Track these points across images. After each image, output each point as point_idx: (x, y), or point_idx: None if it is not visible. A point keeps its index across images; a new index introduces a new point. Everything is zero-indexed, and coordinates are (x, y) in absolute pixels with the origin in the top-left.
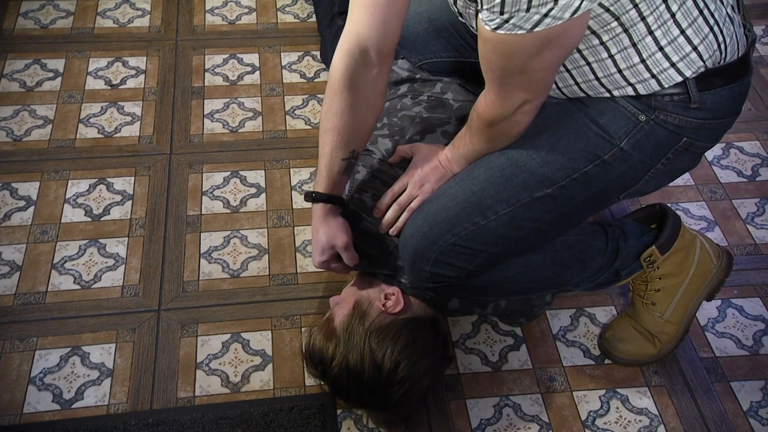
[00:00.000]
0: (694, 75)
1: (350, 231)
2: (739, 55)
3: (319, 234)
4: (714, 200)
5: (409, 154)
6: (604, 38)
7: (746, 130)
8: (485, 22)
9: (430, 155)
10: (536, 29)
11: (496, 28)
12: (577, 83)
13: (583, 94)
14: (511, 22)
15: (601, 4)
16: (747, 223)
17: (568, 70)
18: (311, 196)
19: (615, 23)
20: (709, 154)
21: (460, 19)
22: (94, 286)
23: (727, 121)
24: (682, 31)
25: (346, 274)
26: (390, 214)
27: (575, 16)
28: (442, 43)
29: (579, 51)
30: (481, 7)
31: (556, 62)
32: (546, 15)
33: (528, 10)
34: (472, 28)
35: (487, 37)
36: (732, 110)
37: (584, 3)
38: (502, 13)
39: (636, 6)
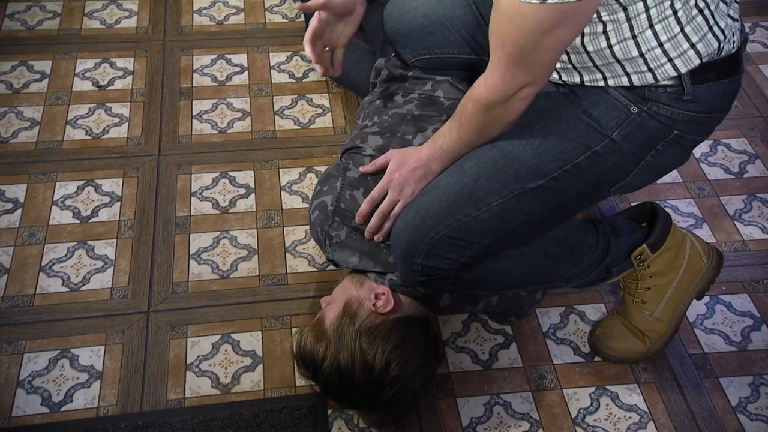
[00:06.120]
0: (689, 70)
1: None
2: (734, 51)
3: None
4: (702, 197)
5: (383, 165)
6: (608, 27)
7: (733, 127)
8: None
9: (405, 159)
10: (550, 0)
11: None
12: (574, 66)
13: (578, 78)
14: None
15: None
16: (735, 220)
17: (567, 53)
18: None
19: (621, 13)
20: (697, 152)
21: None
22: (82, 288)
23: (718, 116)
24: (682, 29)
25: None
26: (373, 222)
27: None
28: (437, 38)
29: (581, 36)
30: None
31: (565, 43)
32: None
33: None
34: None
35: (503, 5)
36: (723, 105)
37: None
38: None
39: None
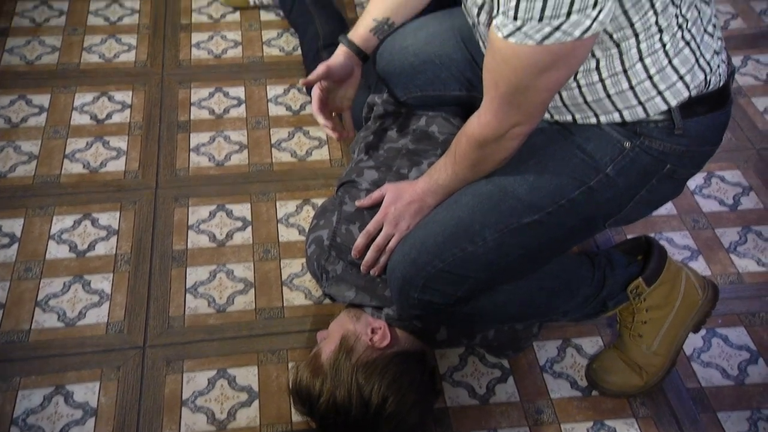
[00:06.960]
0: (678, 104)
1: (343, 65)
2: (721, 84)
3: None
4: (697, 229)
5: (379, 199)
6: (601, 63)
7: (727, 160)
8: (498, 28)
9: (401, 193)
10: (546, 42)
11: (508, 35)
12: (565, 105)
13: (569, 117)
14: (523, 30)
15: (605, 31)
16: (730, 252)
17: (559, 92)
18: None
19: (615, 49)
20: (692, 184)
21: (475, 35)
22: (78, 323)
23: (709, 149)
24: (670, 61)
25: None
26: (369, 256)
27: (585, 36)
28: (428, 76)
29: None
30: (497, 11)
31: (558, 84)
32: (557, 29)
33: (540, 20)
34: (483, 45)
35: (498, 47)
36: (714, 138)
37: (595, 24)
38: (515, 18)
39: (636, 35)
